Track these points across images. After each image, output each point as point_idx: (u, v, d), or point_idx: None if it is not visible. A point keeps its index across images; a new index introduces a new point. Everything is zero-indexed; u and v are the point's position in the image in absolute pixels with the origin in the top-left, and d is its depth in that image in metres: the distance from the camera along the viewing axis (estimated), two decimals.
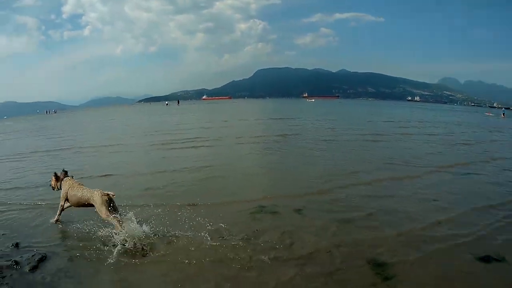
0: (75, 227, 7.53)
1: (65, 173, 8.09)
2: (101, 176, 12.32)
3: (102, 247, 6.53)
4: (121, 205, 7.81)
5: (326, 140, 20.55)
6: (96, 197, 7.16)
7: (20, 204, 9.46)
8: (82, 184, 7.81)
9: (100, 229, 7.18)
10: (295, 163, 14.24)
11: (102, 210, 7.07)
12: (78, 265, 6.00)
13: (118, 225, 6.91)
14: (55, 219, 7.91)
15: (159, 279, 5.49)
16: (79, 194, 7.48)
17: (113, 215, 7.04)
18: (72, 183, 7.79)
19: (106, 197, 7.16)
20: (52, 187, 8.13)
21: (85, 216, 7.83)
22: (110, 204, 7.18)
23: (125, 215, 7.23)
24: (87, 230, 7.30)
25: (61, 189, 7.89)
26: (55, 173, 8.15)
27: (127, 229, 6.80)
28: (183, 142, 19.67)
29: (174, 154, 16.43)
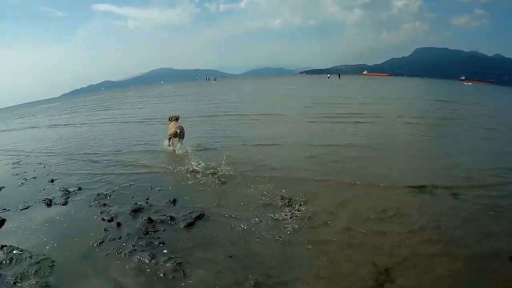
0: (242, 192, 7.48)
1: (175, 118, 12.46)
2: (255, 145, 12.20)
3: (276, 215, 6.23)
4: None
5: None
6: (171, 127, 12.00)
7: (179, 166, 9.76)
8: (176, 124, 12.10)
9: None
10: (462, 149, 11.90)
11: (169, 132, 11.81)
12: (233, 227, 5.87)
13: (169, 143, 11.96)
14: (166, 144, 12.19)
15: None
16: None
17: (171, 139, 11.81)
18: (172, 123, 12.24)
19: (174, 129, 11.67)
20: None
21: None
22: (176, 133, 11.56)
23: None
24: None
25: None
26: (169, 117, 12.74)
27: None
28: (343, 117, 18.52)
29: (335, 128, 15.57)
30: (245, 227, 5.77)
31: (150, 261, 4.83)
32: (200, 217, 6.20)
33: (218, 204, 6.80)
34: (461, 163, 9.57)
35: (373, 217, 6.06)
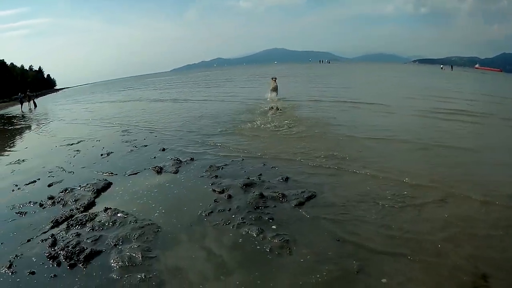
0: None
1: (275, 79, 19.62)
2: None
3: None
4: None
5: None
6: (271, 83, 19.21)
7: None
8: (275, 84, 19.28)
9: None
10: None
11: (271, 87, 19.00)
12: (351, 210, 5.51)
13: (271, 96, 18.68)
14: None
15: None
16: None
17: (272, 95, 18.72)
18: (272, 81, 19.52)
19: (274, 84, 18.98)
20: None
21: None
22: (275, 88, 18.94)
23: None
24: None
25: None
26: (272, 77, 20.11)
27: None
28: (448, 113, 15.75)
29: (438, 124, 13.32)
30: (354, 215, 5.37)
31: (258, 235, 4.74)
32: (311, 197, 5.95)
33: (331, 187, 6.43)
34: None
35: None
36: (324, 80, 36.99)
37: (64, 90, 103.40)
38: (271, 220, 5.15)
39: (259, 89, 27.01)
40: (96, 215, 5.57)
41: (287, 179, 6.83)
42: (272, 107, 15.70)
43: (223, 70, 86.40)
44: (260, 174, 7.18)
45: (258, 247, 4.48)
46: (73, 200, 6.30)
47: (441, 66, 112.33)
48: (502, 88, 42.61)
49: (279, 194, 5.99)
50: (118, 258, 4.30)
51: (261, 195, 5.93)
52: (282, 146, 9.43)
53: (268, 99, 18.27)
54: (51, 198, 6.46)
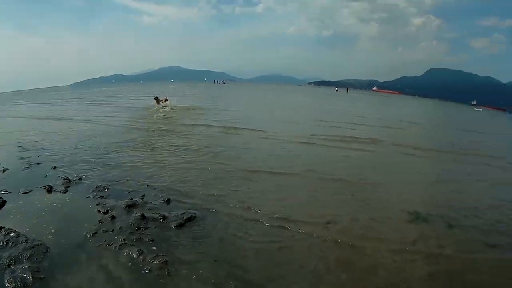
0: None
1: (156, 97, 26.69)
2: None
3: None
4: None
5: None
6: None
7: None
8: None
9: None
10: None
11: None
12: (224, 231, 6.15)
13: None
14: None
15: None
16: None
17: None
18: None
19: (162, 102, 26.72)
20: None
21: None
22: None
23: None
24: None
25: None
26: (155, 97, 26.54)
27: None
28: (332, 140, 16.39)
29: (320, 152, 13.88)
30: (234, 233, 6.05)
31: (138, 256, 5.10)
32: (191, 219, 6.43)
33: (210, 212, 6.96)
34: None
35: None
36: (213, 102, 37.21)
37: None
38: (151, 241, 5.53)
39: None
40: None
41: (168, 200, 7.29)
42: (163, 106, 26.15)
43: (120, 86, 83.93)
44: (143, 195, 7.56)
45: (138, 268, 4.82)
46: None
47: (336, 88, 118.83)
48: (390, 110, 46.43)
49: (160, 215, 6.40)
50: (11, 279, 4.47)
51: (143, 216, 6.30)
52: (166, 174, 9.62)
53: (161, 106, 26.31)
54: None
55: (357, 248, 5.95)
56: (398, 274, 5.31)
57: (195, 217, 6.54)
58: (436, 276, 5.34)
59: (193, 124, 18.63)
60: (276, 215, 6.91)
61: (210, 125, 18.42)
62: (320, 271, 5.22)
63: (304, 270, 5.19)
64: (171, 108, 26.00)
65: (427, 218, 7.59)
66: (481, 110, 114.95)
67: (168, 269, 4.85)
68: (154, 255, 5.13)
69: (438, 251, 6.13)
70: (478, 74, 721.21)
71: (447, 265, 5.67)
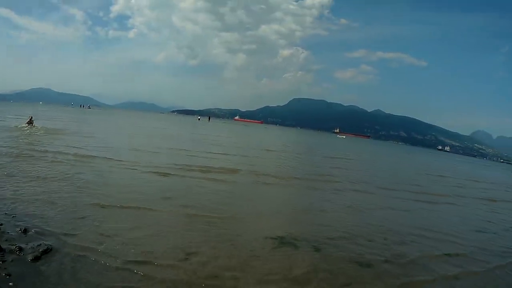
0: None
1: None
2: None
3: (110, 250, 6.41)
4: None
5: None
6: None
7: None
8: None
9: None
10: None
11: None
12: (82, 265, 5.85)
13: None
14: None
15: None
16: None
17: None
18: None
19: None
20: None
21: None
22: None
23: None
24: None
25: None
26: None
27: None
28: (189, 170, 16.26)
29: (172, 184, 13.58)
30: (86, 271, 5.75)
31: None
32: (47, 251, 6.06)
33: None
34: None
35: None
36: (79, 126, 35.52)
37: None
38: (8, 276, 5.07)
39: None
40: None
41: (25, 230, 6.73)
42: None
43: None
44: (1, 224, 6.91)
45: None
46: None
47: (198, 117, 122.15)
48: (251, 138, 48.33)
49: (16, 247, 5.91)
50: None
51: (0, 248, 5.78)
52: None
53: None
54: None
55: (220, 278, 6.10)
56: None
57: (51, 249, 6.15)
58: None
59: (58, 151, 16.82)
60: (132, 250, 6.74)
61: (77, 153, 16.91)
62: None
63: None
64: (40, 131, 24.89)
65: (293, 243, 8.20)
66: (344, 137, 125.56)
67: None
68: None
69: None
70: (342, 104, 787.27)
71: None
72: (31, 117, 27.51)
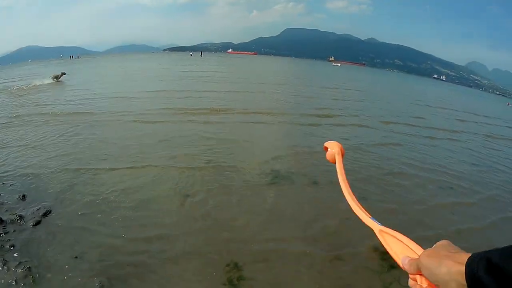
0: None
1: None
2: None
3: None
4: None
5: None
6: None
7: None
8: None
9: None
10: None
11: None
12: (83, 221, 5.95)
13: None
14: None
15: None
16: None
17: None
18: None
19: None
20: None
21: None
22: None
23: None
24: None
25: None
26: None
27: None
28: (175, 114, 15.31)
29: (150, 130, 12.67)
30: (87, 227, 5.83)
31: (2, 267, 4.66)
32: (46, 213, 6.09)
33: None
34: None
35: None
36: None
37: None
38: (12, 248, 5.08)
39: None
40: None
41: (24, 196, 6.68)
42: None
43: None
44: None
45: (5, 283, 4.41)
46: None
47: (191, 53, 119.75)
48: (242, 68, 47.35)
49: (16, 216, 5.90)
50: None
51: (1, 220, 5.75)
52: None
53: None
54: None
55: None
56: None
57: (50, 211, 6.18)
58: None
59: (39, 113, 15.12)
60: (130, 199, 6.88)
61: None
62: None
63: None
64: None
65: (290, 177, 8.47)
66: (339, 65, 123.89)
67: (32, 276, 4.52)
68: (17, 263, 4.73)
69: None
70: (335, 32, 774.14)
71: None
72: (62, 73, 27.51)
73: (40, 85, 24.01)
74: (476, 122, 24.69)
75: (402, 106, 27.13)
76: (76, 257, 4.93)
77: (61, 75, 27.23)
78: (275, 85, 31.44)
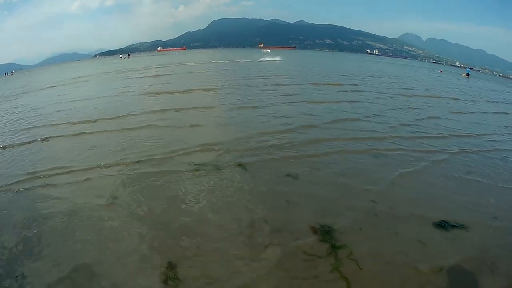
0: None
1: None
2: None
3: None
4: None
5: None
6: None
7: None
8: None
9: None
10: None
11: None
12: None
13: None
14: None
15: None
16: None
17: None
18: None
19: None
20: None
21: None
22: None
23: None
24: None
25: None
26: None
27: None
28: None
29: None
30: None
31: None
32: None
33: None
34: None
35: None
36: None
37: None
38: None
39: None
40: None
41: None
42: None
43: None
44: None
45: None
46: None
47: (120, 55, 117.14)
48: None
49: None
50: None
51: None
52: None
53: None
54: None
55: None
56: None
57: None
58: None
59: None
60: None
61: None
62: None
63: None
64: None
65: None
66: (269, 51, 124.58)
67: None
68: None
69: None
70: (263, 19, 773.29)
71: None
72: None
73: None
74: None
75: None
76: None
77: None
78: (201, 74, 32.12)
